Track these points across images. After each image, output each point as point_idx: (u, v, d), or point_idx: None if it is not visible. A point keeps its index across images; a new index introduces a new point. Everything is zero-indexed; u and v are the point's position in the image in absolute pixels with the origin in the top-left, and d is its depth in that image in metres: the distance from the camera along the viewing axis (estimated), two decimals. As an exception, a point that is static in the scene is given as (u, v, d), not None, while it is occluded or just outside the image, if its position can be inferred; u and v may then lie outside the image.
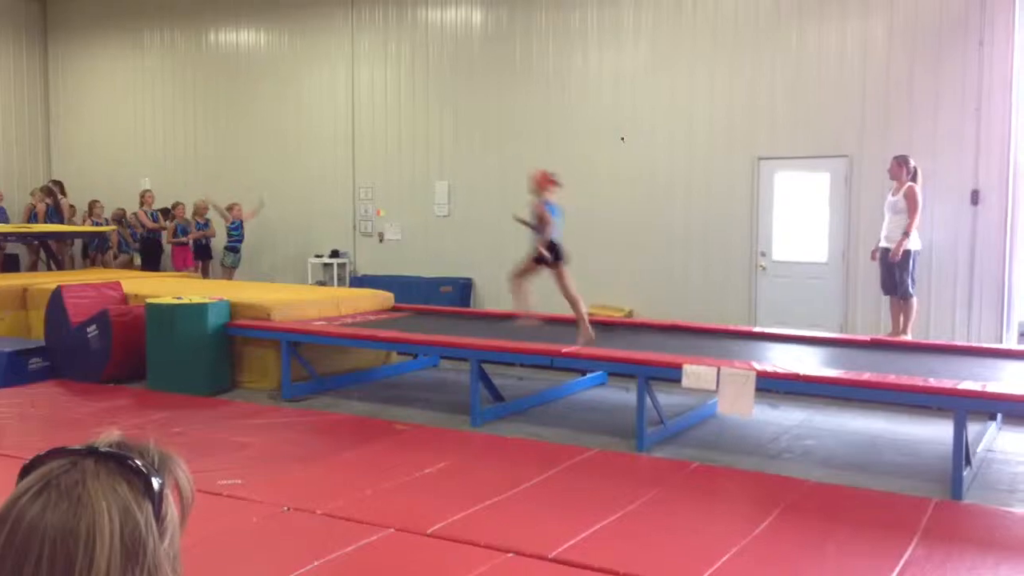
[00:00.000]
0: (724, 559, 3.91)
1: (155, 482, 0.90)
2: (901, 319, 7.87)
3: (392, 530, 4.24)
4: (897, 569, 3.84)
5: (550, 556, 3.94)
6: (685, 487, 5.13)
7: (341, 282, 11.85)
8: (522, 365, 7.91)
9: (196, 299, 7.84)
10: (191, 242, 12.33)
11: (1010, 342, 8.05)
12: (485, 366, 6.99)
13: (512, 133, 10.82)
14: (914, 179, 7.80)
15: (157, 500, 0.90)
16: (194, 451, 5.50)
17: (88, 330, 7.88)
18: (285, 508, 4.57)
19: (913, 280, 7.79)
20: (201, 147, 13.20)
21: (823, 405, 7.21)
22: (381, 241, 11.87)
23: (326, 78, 12.12)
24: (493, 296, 10.70)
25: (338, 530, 4.25)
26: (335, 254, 12.04)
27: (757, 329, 8.06)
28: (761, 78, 9.26)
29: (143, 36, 13.56)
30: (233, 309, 7.85)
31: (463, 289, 10.98)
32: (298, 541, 4.18)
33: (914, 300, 7.83)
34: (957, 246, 8.29)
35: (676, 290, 9.66)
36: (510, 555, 3.95)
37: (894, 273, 7.81)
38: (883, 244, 7.91)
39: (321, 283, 11.78)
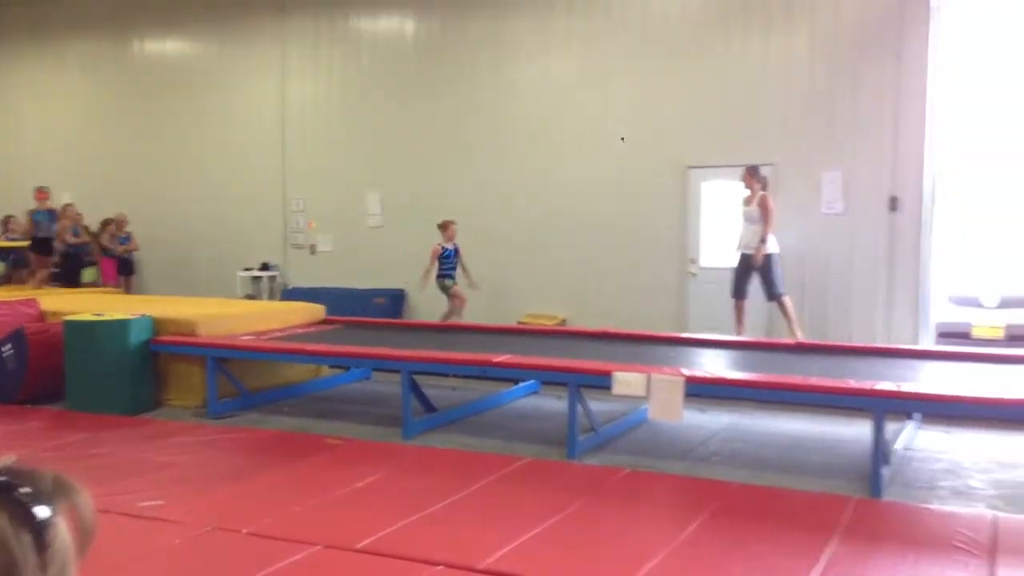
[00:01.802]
0: (651, 564, 3.94)
1: (38, 511, 0.86)
2: (788, 322, 8.15)
3: (320, 547, 4.16)
4: (819, 567, 3.92)
5: (480, 567, 3.92)
6: (616, 493, 5.16)
7: (272, 295, 11.66)
8: (455, 376, 7.88)
9: (117, 315, 7.62)
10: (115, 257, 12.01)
11: (927, 343, 8.32)
12: (418, 377, 6.96)
13: (445, 143, 10.81)
14: (764, 188, 8.13)
15: (40, 530, 0.86)
16: (114, 473, 5.33)
17: (2, 349, 7.59)
18: (208, 528, 4.46)
19: (780, 281, 8.08)
20: (127, 159, 12.86)
21: (750, 408, 7.35)
22: (313, 253, 11.72)
23: (255, 88, 11.95)
24: (427, 306, 10.65)
25: (264, 549, 4.16)
26: (265, 267, 11.85)
27: (686, 335, 8.18)
28: (690, 88, 9.43)
29: (68, 47, 13.18)
30: (157, 325, 7.65)
31: (396, 300, 10.90)
32: (221, 562, 4.08)
33: (787, 299, 8.10)
34: (877, 251, 8.54)
35: (609, 298, 9.74)
36: (439, 568, 3.92)
37: (748, 278, 8.15)
38: (742, 251, 8.21)
39: (250, 297, 11.57)
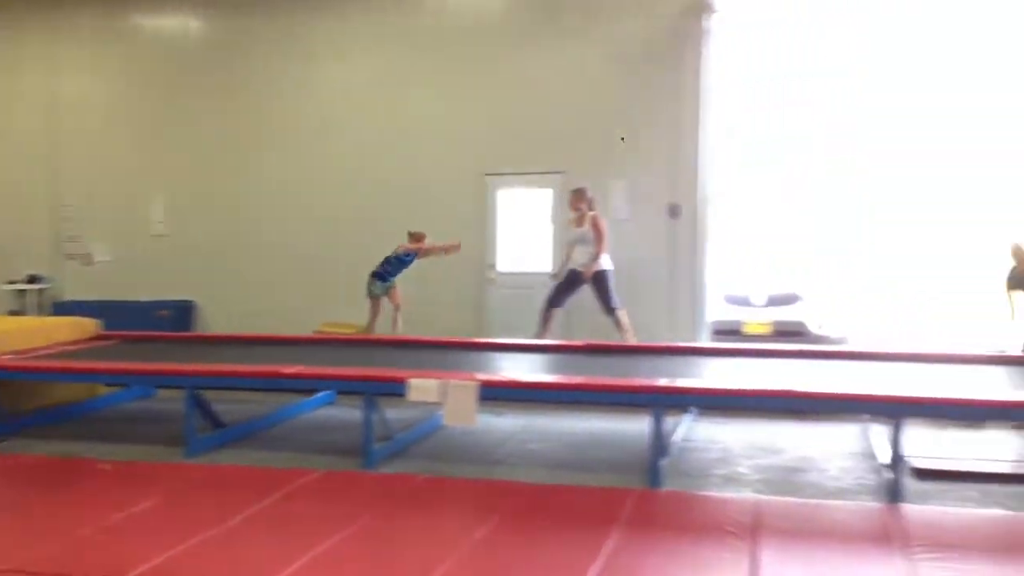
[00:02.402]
0: (439, 570, 3.94)
1: None
2: (623, 333, 8.49)
3: (85, 580, 3.85)
4: (600, 559, 4.07)
5: (263, 587, 3.77)
6: (410, 501, 5.13)
7: (42, 310, 10.72)
8: (245, 389, 7.56)
9: None
10: None
11: (703, 341, 8.90)
12: (208, 392, 6.62)
13: (233, 147, 10.38)
14: (592, 208, 8.51)
15: None
16: None
17: None
18: (-46, 569, 4.01)
19: (615, 296, 8.42)
20: None
21: (544, 409, 7.56)
22: (89, 264, 10.88)
23: (16, 88, 10.95)
24: (218, 318, 10.18)
25: (19, 587, 3.79)
26: (33, 279, 10.87)
27: (483, 340, 8.30)
28: (486, 96, 9.58)
29: None
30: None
31: (183, 312, 10.33)
32: (-33, 605, 3.68)
33: (621, 312, 8.46)
34: (659, 255, 9.03)
35: (408, 304, 9.69)
36: (219, 591, 3.73)
37: (570, 292, 8.49)
38: (572, 267, 8.53)
39: (15, 312, 10.58)
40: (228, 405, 7.35)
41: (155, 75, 10.61)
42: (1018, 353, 7.29)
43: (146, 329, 9.25)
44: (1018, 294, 7.80)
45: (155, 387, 8.15)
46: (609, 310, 8.40)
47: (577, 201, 8.55)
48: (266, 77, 10.24)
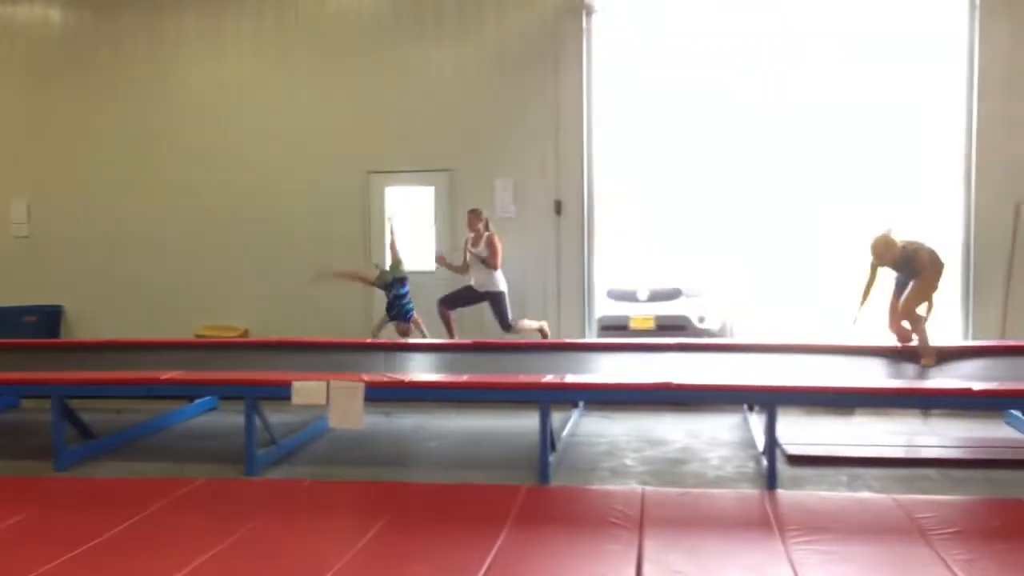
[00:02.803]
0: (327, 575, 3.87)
1: None
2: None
3: (-61, 607, 3.60)
4: (490, 556, 4.07)
5: (138, 604, 3.61)
6: (296, 507, 5.02)
7: None
8: (120, 397, 7.23)
9: None
10: None
11: (591, 336, 9.05)
12: (80, 402, 6.29)
13: (101, 145, 9.89)
14: (488, 228, 8.53)
15: None
16: None
17: None
18: None
19: (510, 314, 8.44)
20: None
21: (433, 409, 7.53)
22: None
23: None
24: (89, 323, 9.69)
25: None
26: None
27: (369, 340, 8.19)
28: (368, 94, 9.42)
29: None
30: None
31: (50, 318, 9.78)
32: None
33: (521, 322, 8.48)
34: (546, 252, 9.11)
35: (294, 306, 9.48)
36: (90, 611, 3.55)
37: (466, 302, 8.51)
38: (470, 283, 8.53)
39: None
40: (102, 415, 7.02)
41: (11, 70, 10.00)
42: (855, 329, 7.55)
43: (9, 336, 8.73)
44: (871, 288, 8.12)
45: (19, 397, 7.69)
46: (505, 327, 8.43)
47: (475, 221, 8.54)
48: (136, 74, 9.79)
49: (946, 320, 8.77)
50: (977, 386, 5.40)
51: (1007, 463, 5.89)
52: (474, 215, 8.57)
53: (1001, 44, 8.18)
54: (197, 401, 7.58)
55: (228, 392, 6.35)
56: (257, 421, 5.97)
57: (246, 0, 9.60)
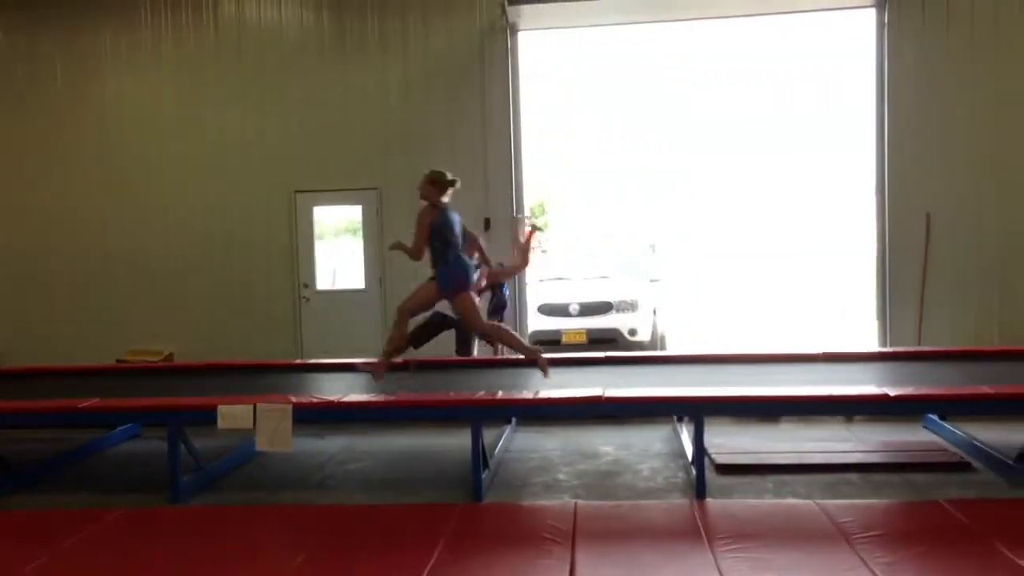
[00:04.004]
0: (254, 604, 3.79)
1: None
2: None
3: None
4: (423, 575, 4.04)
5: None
6: (222, 534, 4.90)
7: None
8: (36, 427, 6.98)
9: None
10: None
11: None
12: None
13: (16, 166, 9.59)
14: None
15: None
16: None
17: None
18: None
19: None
20: None
21: (365, 429, 7.44)
22: None
23: None
24: (7, 352, 9.33)
25: None
26: None
27: (299, 361, 8.08)
28: (293, 113, 9.33)
29: None
30: None
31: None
32: None
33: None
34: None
35: (221, 328, 9.29)
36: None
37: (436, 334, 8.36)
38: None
39: None
40: (18, 446, 6.76)
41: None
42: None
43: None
44: None
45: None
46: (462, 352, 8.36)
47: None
48: (51, 91, 9.53)
49: (865, 328, 9.05)
50: (894, 392, 5.58)
51: (925, 466, 6.09)
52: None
53: (908, 62, 8.51)
54: (119, 428, 7.35)
55: (151, 418, 6.18)
56: (180, 447, 5.82)
57: (164, 21, 9.42)
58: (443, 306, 6.92)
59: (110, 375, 7.69)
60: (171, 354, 9.27)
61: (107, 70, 9.52)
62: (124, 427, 7.36)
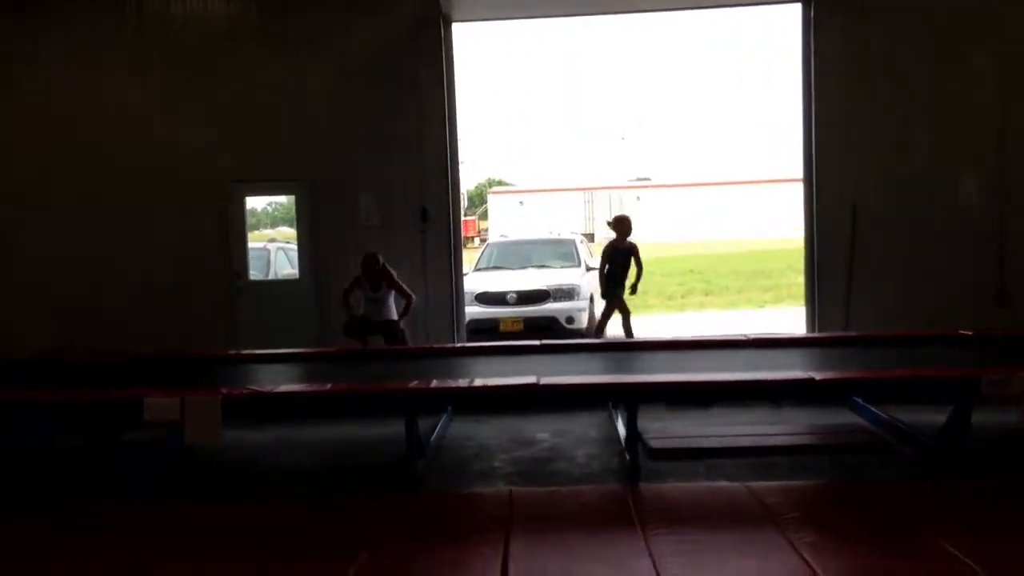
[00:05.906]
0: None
1: None
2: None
3: None
4: (354, 567, 4.00)
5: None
6: (144, 536, 4.78)
7: None
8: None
9: None
10: None
11: (461, 341, 9.07)
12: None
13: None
14: (388, 268, 8.33)
15: None
16: None
17: None
18: None
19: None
20: None
21: (300, 421, 7.35)
22: None
23: None
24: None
25: None
26: None
27: (232, 352, 7.94)
28: (229, 105, 9.14)
29: None
30: None
31: None
32: None
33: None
34: (414, 259, 9.06)
35: (154, 319, 9.06)
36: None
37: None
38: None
39: None
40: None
41: None
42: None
43: None
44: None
45: None
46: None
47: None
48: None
49: (795, 314, 9.27)
50: (820, 376, 5.72)
51: (849, 447, 6.27)
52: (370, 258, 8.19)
53: (834, 57, 8.72)
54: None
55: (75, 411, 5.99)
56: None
57: (88, 16, 9.13)
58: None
59: (28, 366, 7.43)
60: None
61: (38, 62, 9.20)
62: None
